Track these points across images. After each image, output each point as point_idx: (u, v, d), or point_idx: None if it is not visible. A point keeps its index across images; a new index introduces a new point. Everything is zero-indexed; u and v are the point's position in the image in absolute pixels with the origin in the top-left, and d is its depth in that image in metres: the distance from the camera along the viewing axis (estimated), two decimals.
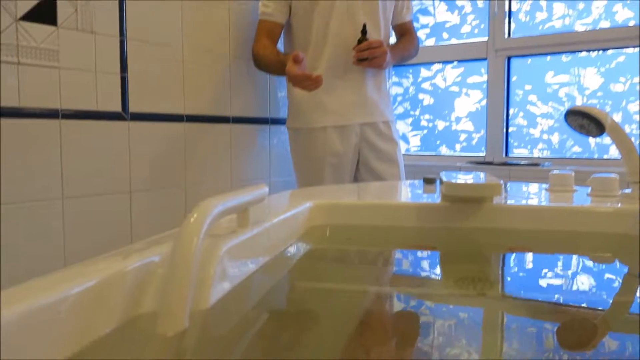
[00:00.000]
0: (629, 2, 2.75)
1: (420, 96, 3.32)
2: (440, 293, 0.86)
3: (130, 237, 1.97)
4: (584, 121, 1.27)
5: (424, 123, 3.31)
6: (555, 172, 1.43)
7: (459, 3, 3.19)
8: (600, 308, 0.82)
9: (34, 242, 1.75)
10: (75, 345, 0.57)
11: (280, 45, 2.28)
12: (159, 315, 0.62)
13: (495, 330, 0.73)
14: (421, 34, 3.23)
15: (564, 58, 2.90)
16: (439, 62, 3.21)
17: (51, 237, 1.79)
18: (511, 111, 3.01)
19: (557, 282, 0.94)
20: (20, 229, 1.72)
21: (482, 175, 1.37)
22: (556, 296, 0.85)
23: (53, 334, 0.55)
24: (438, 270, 1.03)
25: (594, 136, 1.30)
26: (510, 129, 3.02)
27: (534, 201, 1.32)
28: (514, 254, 1.11)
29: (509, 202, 1.26)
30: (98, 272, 0.64)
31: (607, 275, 0.99)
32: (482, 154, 3.05)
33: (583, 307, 0.81)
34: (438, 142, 3.25)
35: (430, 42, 3.32)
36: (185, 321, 0.62)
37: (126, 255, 0.70)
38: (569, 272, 1.00)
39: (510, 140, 3.00)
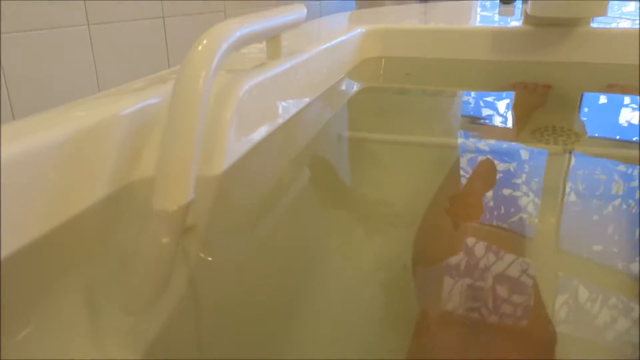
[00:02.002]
0: None
1: None
2: (516, 148, 0.67)
3: (169, 67, 1.81)
4: None
5: None
6: None
7: None
8: None
9: (62, 71, 1.61)
10: (52, 219, 0.42)
11: None
12: (157, 184, 0.46)
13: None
14: None
15: None
16: None
17: (80, 65, 1.65)
18: None
19: None
20: (44, 57, 1.57)
21: None
22: None
23: (24, 203, 0.40)
24: (514, 117, 0.82)
25: None
26: None
27: None
28: (610, 96, 0.88)
29: (611, 26, 0.99)
30: (75, 121, 0.46)
31: None
32: None
33: None
34: None
35: None
36: (189, 192, 0.46)
37: (117, 97, 0.52)
38: None
39: None
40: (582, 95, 0.91)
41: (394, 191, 0.58)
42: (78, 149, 0.45)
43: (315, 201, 0.56)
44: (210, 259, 0.46)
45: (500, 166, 0.61)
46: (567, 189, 0.56)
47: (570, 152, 0.65)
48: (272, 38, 0.67)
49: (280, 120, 0.65)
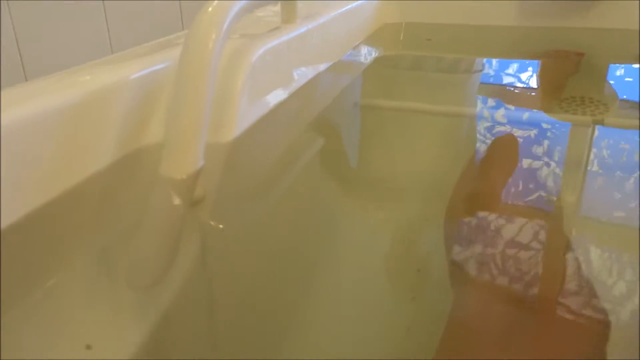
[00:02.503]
0: None
1: None
2: (545, 118, 0.64)
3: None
4: None
5: None
6: None
7: None
8: None
9: (76, 38, 1.59)
10: (58, 186, 0.41)
11: None
12: (165, 151, 0.44)
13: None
14: None
15: None
16: None
17: (94, 32, 1.62)
18: None
19: None
20: (58, 23, 1.55)
21: None
22: None
23: (28, 169, 0.39)
24: (545, 86, 0.78)
25: None
26: None
27: None
28: None
29: None
30: (81, 86, 0.44)
31: None
32: None
33: None
34: None
35: None
36: (198, 159, 0.44)
37: (124, 62, 0.50)
38: None
39: None
40: (613, 64, 0.87)
41: (411, 161, 0.55)
42: (84, 114, 0.43)
43: (328, 170, 0.54)
44: (220, 229, 0.44)
45: (527, 136, 0.58)
46: (593, 160, 0.53)
47: (598, 124, 0.61)
48: (287, 0, 0.64)
49: (295, 87, 0.63)
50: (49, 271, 0.36)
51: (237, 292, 0.40)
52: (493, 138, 0.58)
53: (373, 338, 0.36)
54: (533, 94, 0.75)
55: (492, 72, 0.85)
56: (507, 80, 0.79)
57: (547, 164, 0.51)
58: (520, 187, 0.48)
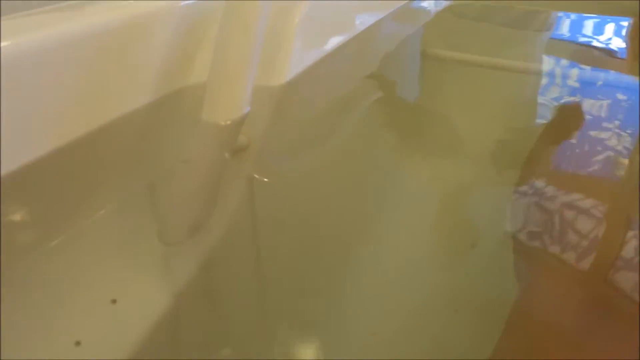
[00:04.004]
0: None
1: None
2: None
3: None
4: None
5: None
6: None
7: None
8: None
9: None
10: (94, 119, 0.38)
11: None
12: (207, 94, 0.40)
13: None
14: None
15: None
16: None
17: None
18: None
19: None
20: None
21: None
22: None
23: (61, 100, 0.36)
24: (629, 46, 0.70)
25: None
26: None
27: None
28: None
29: None
30: (123, 9, 0.40)
31: None
32: None
33: None
34: None
35: None
36: (244, 104, 0.40)
37: None
38: None
39: None
40: None
41: (472, 118, 0.50)
42: (125, 42, 0.39)
43: (383, 122, 0.49)
44: (265, 180, 0.40)
45: (602, 102, 0.51)
46: None
47: None
48: None
49: (355, 30, 0.58)
50: (78, 213, 0.34)
51: (279, 251, 0.37)
52: (563, 102, 0.52)
53: (415, 315, 0.32)
54: (619, 55, 0.67)
55: (566, 28, 0.77)
56: (584, 39, 0.71)
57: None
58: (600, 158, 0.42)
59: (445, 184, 0.42)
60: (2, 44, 0.32)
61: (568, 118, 0.51)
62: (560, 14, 0.81)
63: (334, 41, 0.54)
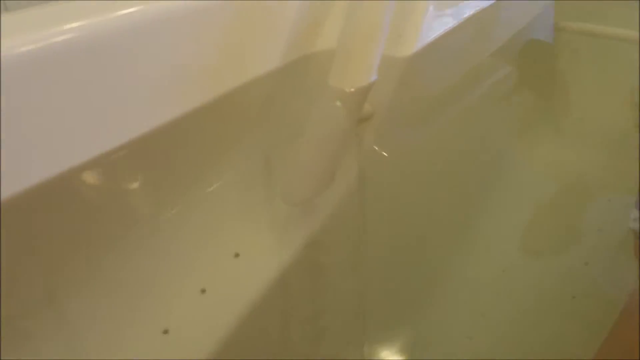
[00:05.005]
0: None
1: None
2: None
3: None
4: None
5: None
6: None
7: None
8: None
9: None
10: (227, 83, 0.39)
11: None
12: (336, 60, 0.40)
13: None
14: None
15: None
16: None
17: None
18: None
19: None
20: None
21: None
22: None
23: (198, 63, 0.37)
24: None
25: None
26: None
27: None
28: None
29: None
30: None
31: None
32: None
33: None
34: None
35: None
36: (372, 72, 0.39)
37: None
38: None
39: None
40: None
41: (607, 100, 0.46)
42: (256, 8, 0.40)
43: (512, 101, 0.47)
44: (384, 154, 0.40)
45: None
46: None
47: None
48: None
49: (485, 3, 0.55)
50: (205, 174, 0.35)
51: (394, 223, 0.36)
52: None
53: (529, 298, 0.30)
54: None
55: None
56: None
57: None
58: None
59: (573, 169, 0.39)
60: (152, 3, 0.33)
61: None
62: None
63: (463, 13, 0.51)
